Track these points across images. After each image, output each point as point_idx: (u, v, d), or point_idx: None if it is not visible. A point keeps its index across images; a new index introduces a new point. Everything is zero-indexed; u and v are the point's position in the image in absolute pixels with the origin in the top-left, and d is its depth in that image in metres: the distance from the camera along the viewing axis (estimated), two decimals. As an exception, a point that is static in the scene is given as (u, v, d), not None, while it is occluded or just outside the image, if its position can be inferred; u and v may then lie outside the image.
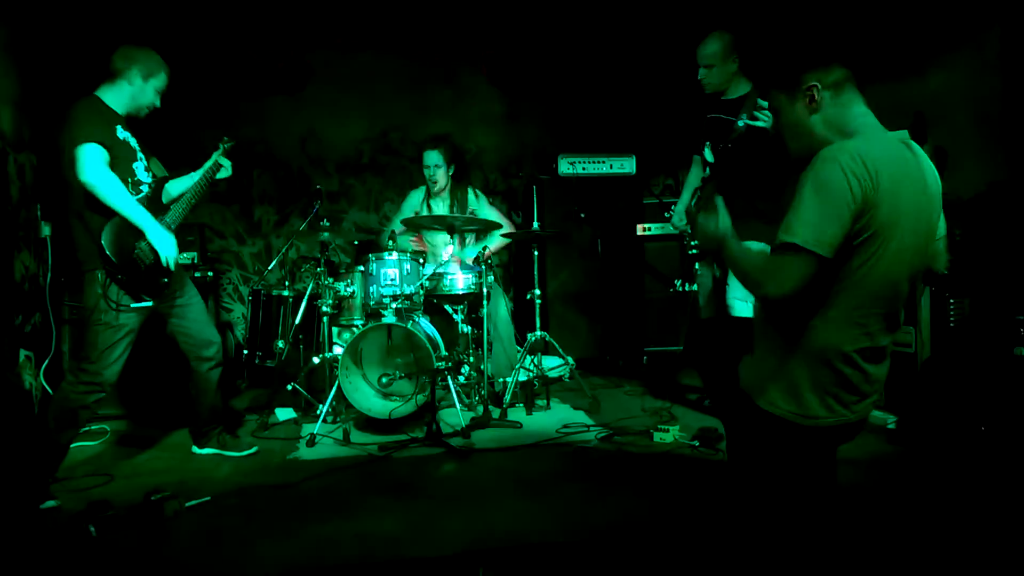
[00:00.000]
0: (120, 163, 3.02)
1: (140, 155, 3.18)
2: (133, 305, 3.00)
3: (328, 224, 4.28)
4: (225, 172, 3.38)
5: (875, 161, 1.75)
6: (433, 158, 4.87)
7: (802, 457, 1.96)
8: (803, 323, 1.86)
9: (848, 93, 1.94)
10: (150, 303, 3.07)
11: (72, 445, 3.21)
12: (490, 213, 4.95)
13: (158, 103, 3.24)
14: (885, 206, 1.75)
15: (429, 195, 4.99)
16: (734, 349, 2.15)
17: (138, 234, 3.01)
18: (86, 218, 2.98)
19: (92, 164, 2.88)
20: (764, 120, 3.41)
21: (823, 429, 1.88)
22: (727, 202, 2.08)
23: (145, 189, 3.14)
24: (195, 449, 3.60)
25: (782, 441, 1.92)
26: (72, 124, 2.93)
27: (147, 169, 3.20)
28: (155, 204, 3.16)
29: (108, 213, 2.95)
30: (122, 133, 3.08)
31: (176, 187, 3.38)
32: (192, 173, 3.38)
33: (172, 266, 3.11)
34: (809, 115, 1.95)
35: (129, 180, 3.06)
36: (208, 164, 3.34)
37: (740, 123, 3.56)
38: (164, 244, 3.06)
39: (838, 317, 1.82)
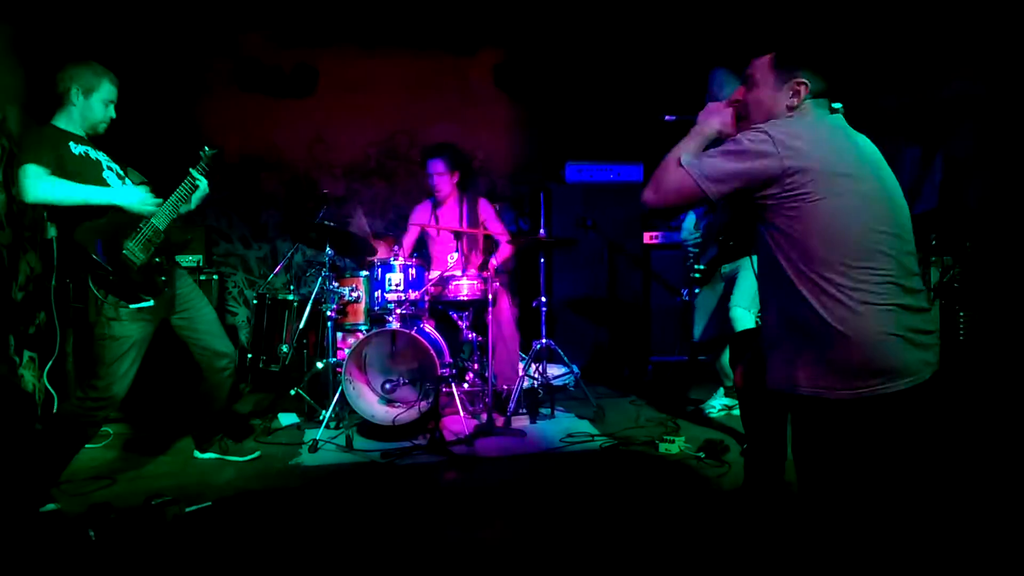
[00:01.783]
0: (84, 177, 2.94)
1: (109, 165, 3.11)
2: (132, 306, 2.96)
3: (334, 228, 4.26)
4: (201, 191, 3.20)
5: (799, 132, 1.96)
6: (437, 166, 4.86)
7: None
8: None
9: (819, 104, 2.11)
10: (151, 302, 3.01)
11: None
12: (496, 226, 4.95)
13: (112, 114, 3.13)
14: (818, 163, 1.93)
15: (436, 205, 4.98)
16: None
17: (123, 233, 2.94)
18: (67, 230, 2.93)
19: (31, 182, 2.81)
20: None
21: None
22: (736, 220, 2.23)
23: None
24: (197, 453, 3.58)
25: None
26: (18, 154, 2.91)
27: (121, 177, 3.13)
28: (134, 215, 3.03)
29: (79, 217, 2.88)
30: (78, 148, 3.00)
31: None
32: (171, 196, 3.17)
33: (144, 209, 2.96)
34: (783, 105, 2.11)
35: None
36: (181, 186, 3.12)
37: None
38: (131, 197, 2.94)
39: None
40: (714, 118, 2.24)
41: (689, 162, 2.06)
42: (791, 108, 2.10)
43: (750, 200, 2.02)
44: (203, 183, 3.20)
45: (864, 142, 2.11)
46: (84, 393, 2.98)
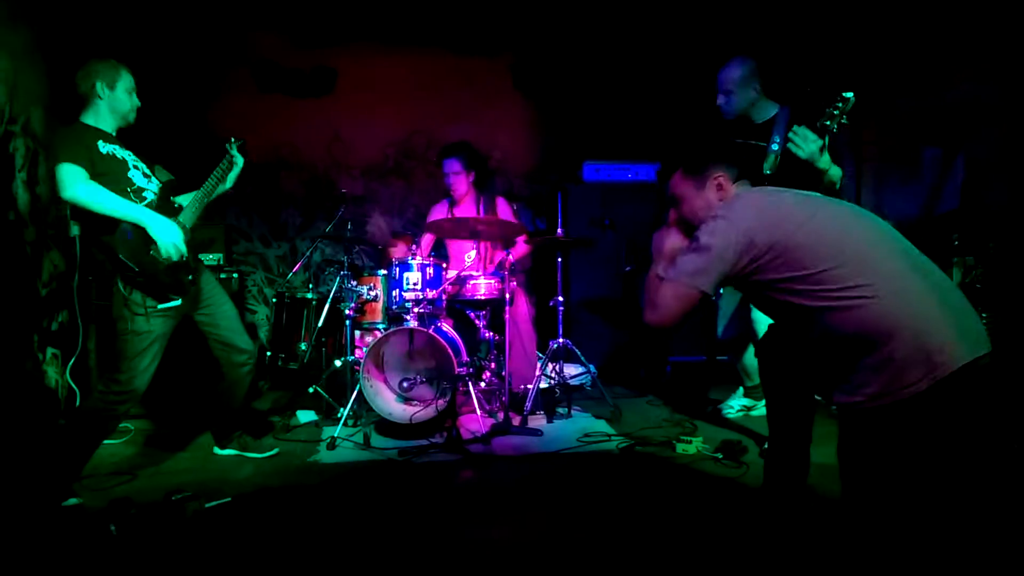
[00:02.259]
0: (110, 176, 2.98)
1: (135, 164, 3.14)
2: (161, 306, 3.00)
3: (352, 227, 4.29)
4: (237, 169, 3.39)
5: (741, 203, 2.23)
6: (452, 165, 4.86)
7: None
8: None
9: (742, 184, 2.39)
10: (179, 301, 3.06)
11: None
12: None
13: (137, 102, 3.19)
14: (773, 213, 2.15)
15: (453, 205, 4.99)
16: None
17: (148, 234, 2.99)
18: (93, 231, 2.97)
19: (70, 180, 2.86)
20: (801, 147, 3.09)
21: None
22: None
23: (149, 196, 3.09)
24: (216, 450, 3.62)
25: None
26: (52, 151, 2.97)
27: (147, 176, 3.17)
28: (165, 209, 3.10)
29: (111, 222, 2.92)
30: (106, 147, 3.03)
31: (188, 196, 3.32)
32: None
33: (184, 253, 3.05)
34: (715, 201, 2.35)
35: (128, 190, 3.03)
36: (219, 167, 3.32)
37: (775, 146, 3.44)
38: (166, 233, 2.99)
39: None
40: (667, 241, 2.46)
41: (667, 273, 2.24)
42: (722, 200, 2.32)
43: (741, 279, 2.17)
44: (240, 160, 3.37)
45: (794, 193, 2.32)
46: (106, 387, 3.02)
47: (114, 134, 3.12)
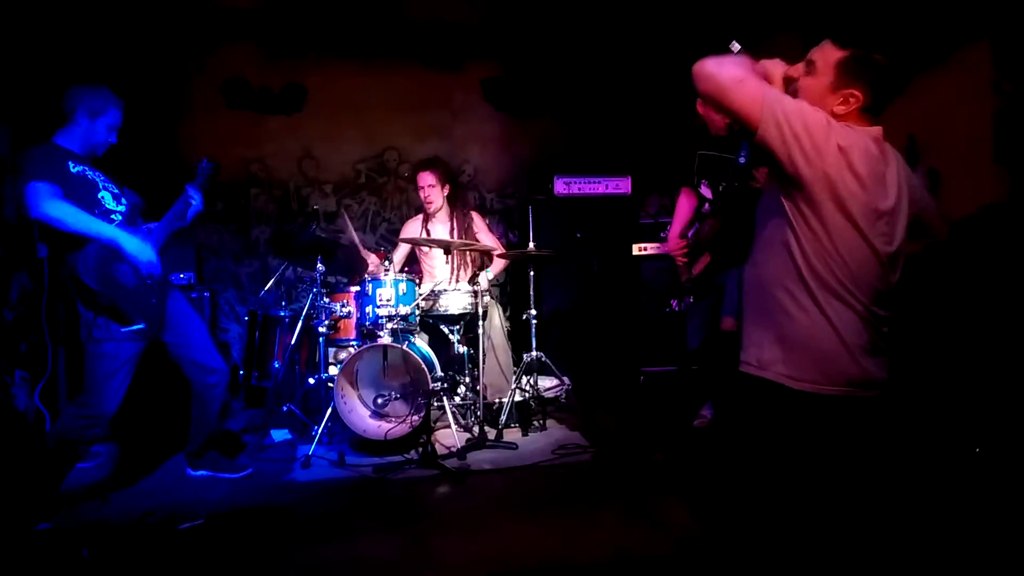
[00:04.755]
0: (80, 198, 2.97)
1: (105, 185, 3.13)
2: (124, 330, 2.98)
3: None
4: (195, 208, 3.32)
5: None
6: (427, 179, 4.89)
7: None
8: None
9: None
10: (142, 325, 3.04)
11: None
12: (488, 238, 4.98)
13: (114, 139, 3.18)
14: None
15: (427, 219, 5.01)
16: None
17: (115, 256, 2.97)
18: (59, 252, 2.95)
19: (41, 199, 2.85)
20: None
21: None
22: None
23: (117, 218, 3.08)
24: (189, 471, 3.59)
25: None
26: (21, 169, 2.94)
27: (117, 197, 3.15)
28: (132, 231, 3.09)
29: (77, 243, 2.90)
30: (76, 168, 3.03)
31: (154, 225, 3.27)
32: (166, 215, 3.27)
33: (157, 272, 3.05)
34: (831, 107, 1.89)
35: (96, 211, 3.01)
36: (176, 204, 3.26)
37: (741, 160, 3.50)
38: (141, 251, 2.99)
39: None
40: (775, 68, 2.01)
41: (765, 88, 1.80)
42: (835, 115, 1.88)
43: (779, 173, 1.84)
44: (197, 199, 3.28)
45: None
46: (75, 411, 2.99)
47: (83, 155, 3.11)
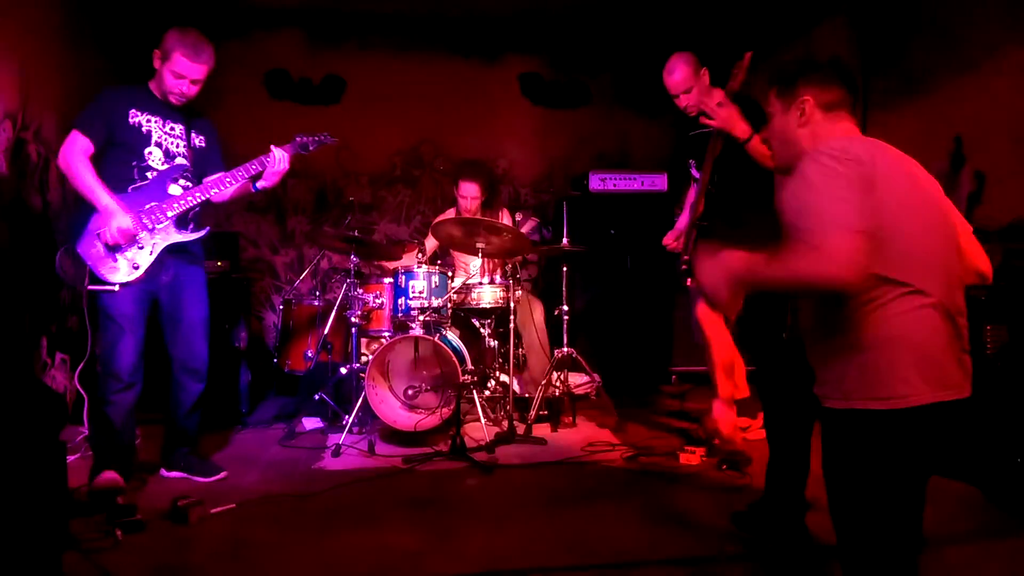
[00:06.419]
0: (122, 148, 3.00)
1: (161, 140, 3.10)
2: (113, 278, 2.99)
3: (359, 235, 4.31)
4: (282, 164, 3.36)
5: (859, 149, 1.76)
6: (471, 190, 4.90)
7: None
8: None
9: (840, 114, 1.96)
10: (125, 280, 3.01)
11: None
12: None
13: (185, 89, 3.10)
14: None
15: (458, 214, 5.01)
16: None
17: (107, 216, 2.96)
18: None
19: (66, 148, 2.92)
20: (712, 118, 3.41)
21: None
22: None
23: (152, 176, 3.08)
24: (163, 472, 3.42)
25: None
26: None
27: (169, 155, 3.12)
28: (159, 189, 3.07)
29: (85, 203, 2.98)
30: (136, 118, 3.02)
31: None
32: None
33: (121, 242, 2.98)
34: (797, 127, 1.98)
35: (134, 164, 3.03)
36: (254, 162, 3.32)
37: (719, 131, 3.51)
38: (112, 220, 2.93)
39: None
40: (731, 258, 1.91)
41: (821, 221, 1.64)
42: (801, 126, 1.97)
43: None
44: (279, 154, 3.33)
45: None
46: (100, 371, 3.12)
47: (161, 101, 3.13)
